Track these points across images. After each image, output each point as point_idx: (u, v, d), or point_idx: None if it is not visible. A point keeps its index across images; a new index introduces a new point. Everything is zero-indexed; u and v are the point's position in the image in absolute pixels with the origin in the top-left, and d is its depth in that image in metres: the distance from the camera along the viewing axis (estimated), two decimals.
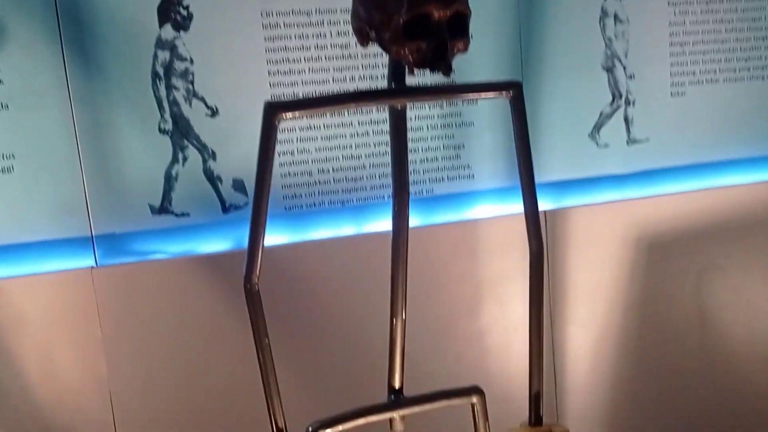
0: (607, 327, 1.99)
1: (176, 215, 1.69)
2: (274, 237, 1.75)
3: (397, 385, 1.18)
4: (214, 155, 1.68)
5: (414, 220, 1.85)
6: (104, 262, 1.64)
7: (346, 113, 1.75)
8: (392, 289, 1.13)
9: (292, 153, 1.74)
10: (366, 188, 1.81)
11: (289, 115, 0.95)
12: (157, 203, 1.67)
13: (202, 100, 1.65)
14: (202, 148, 1.67)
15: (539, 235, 1.12)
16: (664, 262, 2.00)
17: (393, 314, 1.14)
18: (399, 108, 1.03)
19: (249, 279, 0.99)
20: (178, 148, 1.66)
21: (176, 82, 1.62)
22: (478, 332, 1.90)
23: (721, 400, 2.10)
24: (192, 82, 1.64)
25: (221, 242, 1.72)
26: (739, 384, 2.12)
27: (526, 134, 1.05)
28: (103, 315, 1.62)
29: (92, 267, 1.63)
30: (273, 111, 0.93)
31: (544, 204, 1.91)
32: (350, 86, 1.76)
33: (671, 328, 2.04)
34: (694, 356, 2.06)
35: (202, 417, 1.69)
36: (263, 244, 1.00)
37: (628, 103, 1.95)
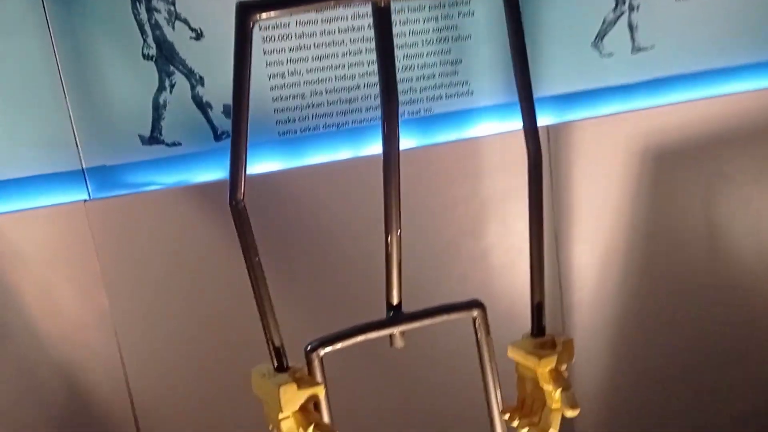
0: (613, 242, 1.96)
1: (167, 145, 1.64)
2: (268, 164, 1.71)
3: (395, 301, 1.16)
4: (201, 81, 1.63)
5: (413, 141, 1.81)
6: (97, 195, 1.61)
7: (336, 31, 1.68)
8: (385, 203, 1.09)
9: (283, 75, 1.68)
10: (361, 110, 1.76)
11: (264, 15, 0.89)
12: (146, 133, 1.63)
13: (185, 22, 1.58)
14: (188, 73, 1.61)
15: (537, 139, 1.07)
16: (671, 173, 1.95)
17: (387, 229, 1.11)
18: (382, 5, 0.97)
19: (234, 196, 0.96)
20: (164, 74, 1.60)
21: (157, 3, 1.55)
22: (482, 252, 1.88)
23: (729, 313, 2.08)
24: (173, 3, 1.57)
25: (215, 171, 1.68)
26: (747, 296, 2.10)
27: (520, 29, 0.99)
28: (99, 248, 1.61)
29: (85, 200, 1.60)
30: (246, 12, 0.87)
31: (546, 119, 1.86)
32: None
33: (679, 241, 2.00)
34: (702, 269, 2.03)
35: (205, 342, 1.70)
36: (246, 160, 0.96)
37: (632, 8, 1.86)
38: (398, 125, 1.00)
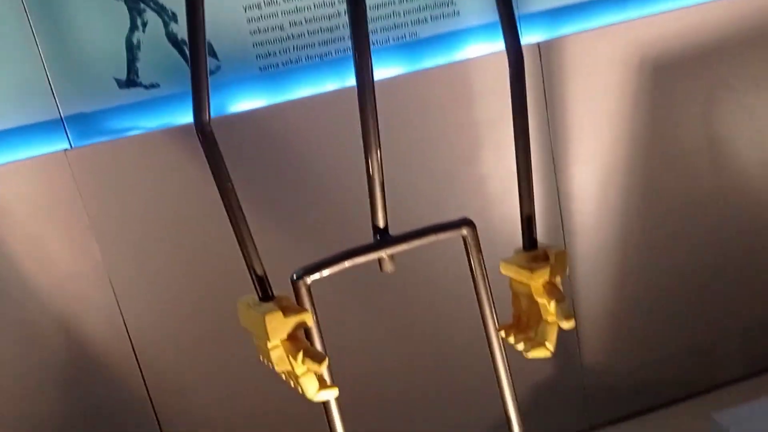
0: (613, 161, 1.91)
1: (145, 87, 1.60)
2: (250, 101, 1.66)
3: (381, 224, 1.12)
4: (174, 17, 1.57)
5: (400, 68, 1.75)
6: (78, 143, 1.58)
7: None
8: (362, 122, 1.05)
9: (259, 6, 1.62)
10: (344, 38, 1.69)
11: None
12: (122, 76, 1.58)
13: None
14: (160, 10, 1.55)
15: (516, 40, 1.01)
16: (670, 85, 1.88)
17: (366, 150, 1.07)
18: None
19: (199, 121, 0.91)
20: (134, 12, 1.54)
21: None
22: (479, 179, 1.83)
23: (734, 226, 2.04)
24: None
25: None
26: (753, 208, 2.05)
27: None
28: (85, 197, 1.58)
29: (66, 150, 1.56)
30: None
31: (535, 36, 1.79)
32: None
33: (680, 155, 1.94)
34: (706, 182, 1.98)
35: (198, 280, 1.69)
36: (208, 81, 0.91)
37: None
38: (368, 34, 0.95)
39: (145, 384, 1.71)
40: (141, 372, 1.70)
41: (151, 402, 1.73)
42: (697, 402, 2.11)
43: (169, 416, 1.75)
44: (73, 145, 1.58)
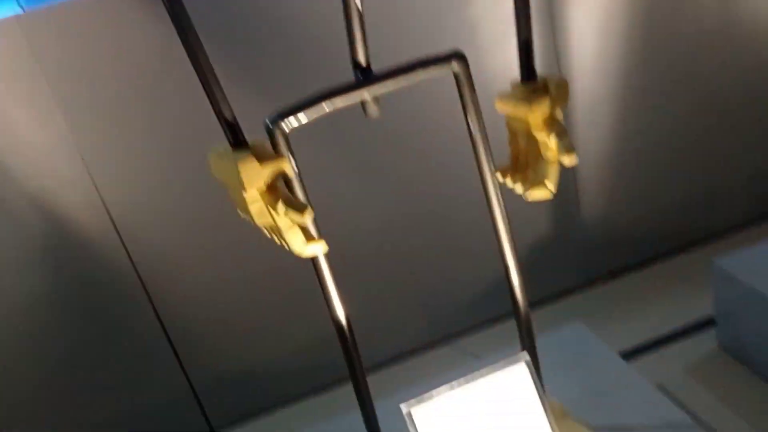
0: (613, 1, 1.76)
1: None
2: None
3: (362, 60, 1.01)
4: None
5: None
6: (30, 5, 1.44)
7: None
8: None
9: None
10: None
11: None
12: None
13: None
14: None
15: None
16: None
17: None
18: None
19: None
20: None
21: None
22: (471, 26, 1.70)
23: (742, 67, 1.92)
24: None
25: None
26: (759, 50, 1.92)
27: None
28: (44, 65, 1.46)
29: (17, 15, 1.43)
30: None
31: None
32: None
33: None
34: (711, 23, 1.84)
35: (167, 137, 1.60)
36: None
37: None
38: None
39: (127, 251, 1.66)
40: (121, 239, 1.65)
41: (135, 268, 1.68)
42: (698, 250, 2.07)
43: (155, 280, 1.72)
44: (24, 9, 1.44)
